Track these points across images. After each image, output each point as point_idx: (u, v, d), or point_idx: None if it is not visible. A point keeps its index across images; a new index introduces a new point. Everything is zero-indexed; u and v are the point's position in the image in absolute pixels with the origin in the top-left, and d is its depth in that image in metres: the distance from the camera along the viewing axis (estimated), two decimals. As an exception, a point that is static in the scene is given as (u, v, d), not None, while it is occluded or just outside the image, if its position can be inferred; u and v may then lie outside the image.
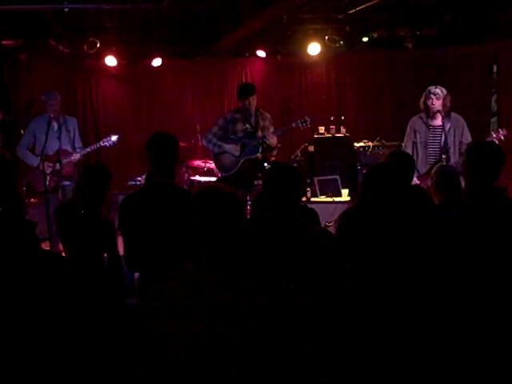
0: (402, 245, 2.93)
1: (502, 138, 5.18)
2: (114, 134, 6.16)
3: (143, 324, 1.69)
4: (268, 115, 5.91)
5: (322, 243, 2.60)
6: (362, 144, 7.79)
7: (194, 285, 1.69)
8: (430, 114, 5.33)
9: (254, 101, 5.74)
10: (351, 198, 7.16)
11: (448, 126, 5.31)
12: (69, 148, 5.97)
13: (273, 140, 5.70)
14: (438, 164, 4.91)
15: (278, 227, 2.56)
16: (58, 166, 5.71)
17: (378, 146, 7.69)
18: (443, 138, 5.27)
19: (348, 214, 3.21)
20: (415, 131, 5.46)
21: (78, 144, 6.10)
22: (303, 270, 2.48)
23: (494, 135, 5.20)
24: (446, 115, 5.33)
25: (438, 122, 5.32)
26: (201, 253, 1.72)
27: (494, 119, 7.64)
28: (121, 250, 3.80)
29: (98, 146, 6.13)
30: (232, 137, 5.81)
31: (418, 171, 5.21)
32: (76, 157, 5.92)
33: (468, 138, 5.32)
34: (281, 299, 1.72)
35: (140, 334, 1.69)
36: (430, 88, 5.34)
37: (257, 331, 1.65)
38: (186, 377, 1.62)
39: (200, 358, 1.62)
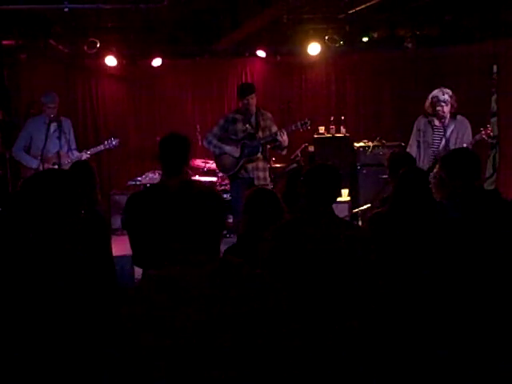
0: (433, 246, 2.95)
1: (491, 133, 5.23)
2: (115, 137, 6.33)
3: (131, 329, 1.69)
4: (269, 114, 5.91)
5: (364, 241, 2.67)
6: (362, 144, 7.79)
7: (181, 280, 1.70)
8: (437, 118, 5.35)
9: (253, 100, 5.73)
10: (351, 198, 7.17)
11: (452, 127, 5.32)
12: (66, 149, 5.97)
13: (285, 137, 5.65)
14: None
15: (319, 225, 2.63)
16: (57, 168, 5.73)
17: (377, 146, 7.68)
18: (446, 138, 5.28)
19: (379, 217, 3.24)
20: (419, 130, 5.47)
21: (73, 145, 6.13)
22: (345, 267, 2.54)
23: (483, 132, 5.24)
24: (452, 117, 5.34)
25: (445, 122, 5.31)
26: (182, 249, 1.75)
27: (494, 119, 7.63)
28: (116, 249, 3.83)
29: (101, 148, 6.24)
30: (232, 137, 5.81)
31: None
32: (82, 158, 5.91)
33: (468, 140, 5.31)
34: (265, 288, 1.76)
35: (128, 341, 1.69)
36: (437, 95, 5.31)
37: (246, 322, 1.66)
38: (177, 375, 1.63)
39: (191, 352, 1.63)
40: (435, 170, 3.95)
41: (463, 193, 3.04)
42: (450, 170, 3.13)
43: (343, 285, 2.54)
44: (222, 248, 2.83)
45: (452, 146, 5.20)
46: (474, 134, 5.40)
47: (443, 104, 5.28)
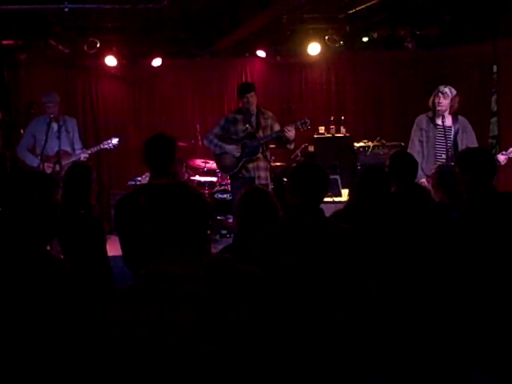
0: (397, 244, 2.95)
1: None
2: (115, 136, 6.25)
3: (116, 327, 1.70)
4: (270, 113, 5.91)
5: (348, 240, 2.65)
6: (362, 144, 7.79)
7: (165, 278, 1.72)
8: (436, 113, 5.33)
9: (252, 98, 5.72)
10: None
11: (456, 127, 5.33)
12: (68, 149, 5.99)
13: (291, 133, 5.63)
14: (439, 163, 4.91)
15: (307, 224, 2.62)
16: (57, 167, 5.73)
17: (377, 146, 7.68)
18: (452, 138, 5.28)
19: (337, 216, 3.24)
20: (421, 129, 5.46)
21: (78, 145, 6.12)
22: (332, 268, 2.54)
23: (506, 152, 5.16)
24: (454, 117, 5.35)
25: (446, 122, 5.31)
26: (167, 247, 1.77)
27: (493, 119, 7.64)
28: (115, 249, 3.83)
29: (99, 148, 6.20)
30: (233, 137, 5.82)
31: (423, 169, 5.20)
32: (78, 159, 5.92)
33: (474, 141, 5.31)
34: (249, 284, 1.78)
35: (113, 338, 1.70)
36: (439, 86, 5.35)
37: (232, 321, 1.67)
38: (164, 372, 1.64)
39: (176, 350, 1.64)
40: (434, 171, 3.97)
41: (471, 193, 3.03)
42: (467, 168, 3.09)
43: (331, 285, 2.51)
44: (220, 247, 2.84)
45: (460, 147, 5.19)
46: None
47: (441, 95, 5.28)
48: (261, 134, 5.76)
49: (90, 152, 6.12)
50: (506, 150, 5.15)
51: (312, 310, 2.47)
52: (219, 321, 1.67)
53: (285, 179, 3.14)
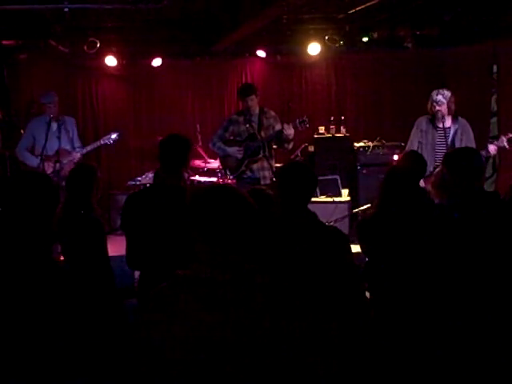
0: (423, 248, 2.93)
1: (507, 145, 5.13)
2: (114, 131, 6.23)
3: (148, 326, 1.65)
4: (272, 113, 5.93)
5: (335, 240, 2.63)
6: (362, 144, 7.79)
7: (204, 282, 1.65)
8: (436, 117, 5.37)
9: (252, 101, 5.75)
10: (351, 198, 7.17)
11: (455, 128, 5.35)
12: (68, 148, 6.01)
13: (290, 131, 5.64)
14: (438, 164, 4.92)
15: (291, 224, 2.60)
16: (58, 166, 5.74)
17: (377, 146, 7.69)
18: (450, 140, 5.30)
19: (367, 222, 3.23)
20: (421, 131, 5.48)
21: (77, 144, 6.16)
22: (318, 267, 2.51)
23: (504, 137, 5.15)
24: (454, 118, 5.37)
25: (446, 123, 5.33)
26: (209, 251, 1.68)
27: (493, 119, 7.63)
28: (116, 249, 3.83)
29: (99, 144, 6.22)
30: (238, 138, 5.86)
31: None
32: (77, 156, 5.95)
33: (472, 143, 5.33)
34: (292, 296, 1.70)
35: (146, 337, 1.64)
36: (432, 95, 5.38)
37: (272, 329, 1.60)
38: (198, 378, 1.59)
39: (213, 357, 1.58)
40: (436, 171, 3.96)
41: (463, 193, 3.03)
42: (454, 168, 3.09)
43: (316, 287, 2.49)
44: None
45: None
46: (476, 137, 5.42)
47: (435, 104, 5.33)
48: (263, 134, 5.77)
49: (89, 149, 6.13)
50: (497, 140, 5.17)
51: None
52: (248, 331, 1.60)
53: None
